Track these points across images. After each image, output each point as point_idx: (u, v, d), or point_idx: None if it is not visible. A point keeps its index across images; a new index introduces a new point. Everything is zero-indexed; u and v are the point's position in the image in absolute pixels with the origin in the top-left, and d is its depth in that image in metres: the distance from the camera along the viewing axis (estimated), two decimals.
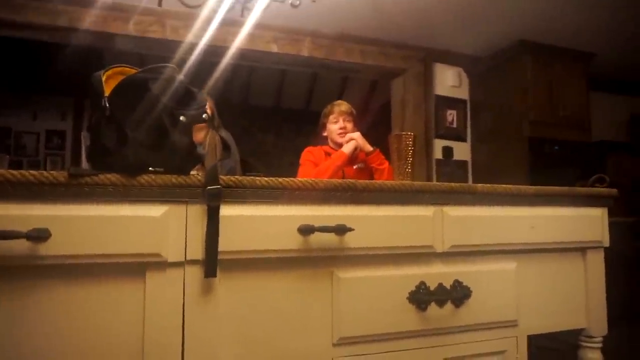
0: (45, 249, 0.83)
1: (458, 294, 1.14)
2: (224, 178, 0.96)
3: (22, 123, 5.60)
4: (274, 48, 3.75)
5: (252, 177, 0.99)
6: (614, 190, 1.36)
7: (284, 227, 1.00)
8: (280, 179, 1.01)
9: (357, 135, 2.38)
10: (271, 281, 1.01)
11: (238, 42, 3.46)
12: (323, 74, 5.29)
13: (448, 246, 1.15)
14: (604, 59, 4.12)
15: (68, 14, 3.24)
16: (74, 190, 0.87)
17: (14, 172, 0.84)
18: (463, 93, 4.40)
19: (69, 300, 0.87)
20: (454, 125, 4.33)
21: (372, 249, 1.08)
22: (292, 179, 1.03)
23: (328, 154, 2.44)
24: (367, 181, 1.10)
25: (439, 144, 4.26)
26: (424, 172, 4.10)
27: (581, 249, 1.34)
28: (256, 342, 0.98)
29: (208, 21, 3.28)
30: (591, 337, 1.33)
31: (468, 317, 1.16)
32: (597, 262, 1.35)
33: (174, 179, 0.93)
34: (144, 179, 0.91)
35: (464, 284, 1.16)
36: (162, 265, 0.91)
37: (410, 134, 1.57)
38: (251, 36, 3.52)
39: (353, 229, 1.03)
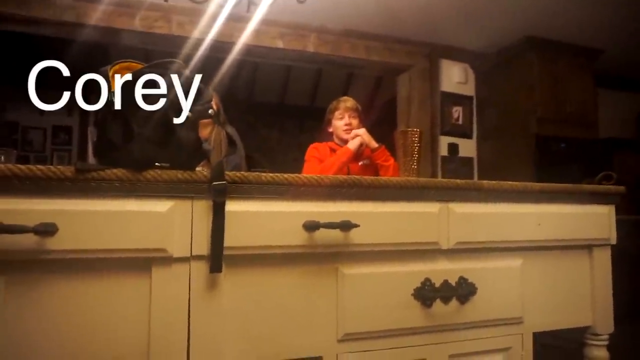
0: (52, 243, 0.84)
1: (463, 290, 1.14)
2: (229, 174, 0.96)
3: (29, 118, 5.62)
4: (280, 44, 3.75)
5: (257, 173, 0.99)
6: (622, 188, 1.35)
7: (289, 223, 1.00)
8: (285, 175, 1.01)
9: (362, 131, 2.37)
10: (276, 277, 1.01)
11: (244, 37, 3.46)
12: (328, 70, 5.28)
13: (453, 243, 1.15)
14: (611, 56, 4.08)
15: (74, 9, 3.25)
16: (81, 185, 0.88)
17: (22, 166, 0.84)
18: (469, 89, 4.37)
19: (74, 295, 0.87)
20: (460, 122, 4.31)
21: (378, 245, 1.08)
22: (297, 175, 1.03)
23: (333, 150, 2.44)
24: (372, 177, 1.10)
25: (444, 141, 4.25)
26: (430, 169, 4.09)
27: (587, 247, 1.33)
28: (261, 338, 0.99)
29: (214, 17, 3.29)
30: (597, 334, 1.33)
31: (473, 314, 1.16)
32: (603, 260, 1.35)
33: (180, 174, 0.93)
34: (150, 174, 0.91)
35: (469, 280, 1.16)
36: (167, 260, 0.92)
37: (416, 131, 1.57)
38: (257, 32, 3.53)
39: (358, 225, 1.03)
